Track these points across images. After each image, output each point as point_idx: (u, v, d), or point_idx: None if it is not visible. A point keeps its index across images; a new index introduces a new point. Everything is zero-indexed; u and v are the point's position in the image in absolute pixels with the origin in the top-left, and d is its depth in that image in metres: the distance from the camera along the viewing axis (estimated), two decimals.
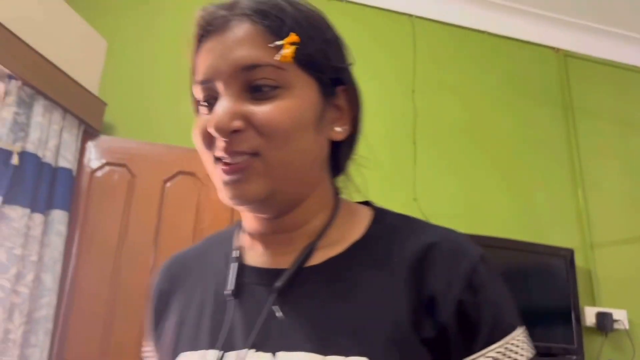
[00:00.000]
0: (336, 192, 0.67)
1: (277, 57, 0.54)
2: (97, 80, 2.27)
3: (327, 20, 0.63)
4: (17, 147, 1.77)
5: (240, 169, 0.55)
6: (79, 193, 2.03)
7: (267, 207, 0.59)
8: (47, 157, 1.90)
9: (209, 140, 0.57)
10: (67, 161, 1.98)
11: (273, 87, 0.55)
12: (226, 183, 0.56)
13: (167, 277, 0.72)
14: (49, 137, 1.91)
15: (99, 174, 2.11)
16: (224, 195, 0.57)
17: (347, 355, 0.52)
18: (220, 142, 0.55)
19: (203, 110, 0.58)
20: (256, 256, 0.64)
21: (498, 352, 0.54)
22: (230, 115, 0.54)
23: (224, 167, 0.55)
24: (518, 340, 0.55)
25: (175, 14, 2.50)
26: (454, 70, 2.82)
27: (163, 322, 0.68)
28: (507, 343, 0.54)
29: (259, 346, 0.55)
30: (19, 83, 1.81)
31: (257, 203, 0.57)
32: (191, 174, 2.17)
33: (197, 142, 0.58)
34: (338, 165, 0.66)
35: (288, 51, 0.55)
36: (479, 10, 2.87)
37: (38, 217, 1.83)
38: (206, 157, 0.58)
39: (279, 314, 0.56)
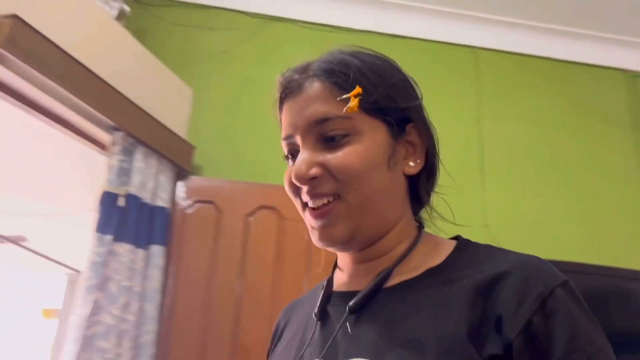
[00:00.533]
0: (419, 223, 0.72)
1: (345, 110, 0.62)
2: (185, 125, 2.51)
3: (392, 64, 0.69)
4: (122, 190, 2.01)
5: (325, 213, 0.63)
6: (173, 229, 2.25)
7: (352, 246, 0.66)
8: (147, 197, 2.12)
9: (295, 189, 0.66)
10: (163, 200, 2.20)
11: (343, 136, 0.63)
12: (314, 228, 0.65)
13: (283, 313, 0.85)
14: (148, 180, 2.14)
15: (189, 210, 2.32)
16: (314, 238, 0.66)
17: None
18: (304, 189, 0.64)
19: (290, 162, 0.69)
20: (342, 283, 0.72)
21: None
22: (308, 165, 0.62)
23: (311, 212, 0.64)
24: None
25: (253, 60, 2.72)
26: (519, 96, 2.86)
27: (276, 349, 0.80)
28: None
29: (327, 357, 0.62)
30: (122, 134, 2.05)
31: (342, 244, 0.65)
32: (271, 207, 2.34)
33: (288, 191, 0.69)
34: (419, 197, 0.71)
35: (352, 103, 0.62)
36: (542, 37, 2.92)
37: (141, 252, 2.04)
38: (296, 204, 0.69)
39: (349, 330, 0.62)
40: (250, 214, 2.34)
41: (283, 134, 0.68)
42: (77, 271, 3.20)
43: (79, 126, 2.00)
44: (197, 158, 2.45)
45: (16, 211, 2.79)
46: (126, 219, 1.99)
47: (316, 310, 0.69)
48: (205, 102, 2.62)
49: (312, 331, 0.68)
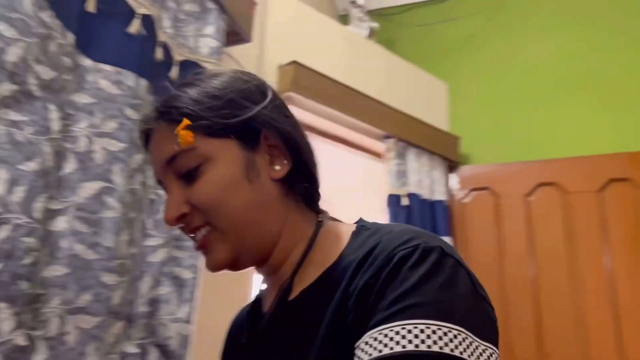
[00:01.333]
0: (318, 218, 0.68)
1: (178, 144, 0.60)
2: (446, 119, 2.60)
3: (230, 78, 0.65)
4: (404, 191, 2.19)
5: (204, 243, 0.63)
6: (454, 219, 2.35)
7: (241, 266, 0.65)
8: (425, 194, 2.27)
9: (180, 228, 0.65)
10: (440, 194, 2.33)
11: (196, 167, 0.61)
12: (203, 254, 0.65)
13: (229, 330, 0.83)
14: (423, 178, 2.29)
15: (466, 200, 2.39)
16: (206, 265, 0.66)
17: None
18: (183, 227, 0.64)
19: None
20: (266, 300, 0.71)
21: (371, 338, 0.49)
22: (174, 207, 0.62)
23: (195, 244, 0.64)
24: (396, 330, 0.48)
25: (499, 38, 2.66)
26: None
27: None
28: (383, 330, 0.49)
29: None
30: (394, 140, 2.25)
31: (229, 267, 0.64)
32: (551, 183, 2.25)
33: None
34: (306, 195, 0.68)
35: (182, 136, 0.60)
36: None
37: None
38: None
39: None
40: (529, 194, 2.29)
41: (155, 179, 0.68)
42: None
43: (357, 142, 2.27)
44: (464, 148, 2.51)
45: None
46: (411, 216, 2.16)
47: (243, 340, 0.70)
48: (460, 92, 2.67)
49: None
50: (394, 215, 2.13)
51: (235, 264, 0.63)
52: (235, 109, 0.62)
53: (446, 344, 0.46)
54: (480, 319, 0.51)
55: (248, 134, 0.63)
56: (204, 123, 0.61)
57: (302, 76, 1.99)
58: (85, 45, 1.14)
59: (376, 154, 2.35)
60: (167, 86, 0.67)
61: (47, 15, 1.02)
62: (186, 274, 1.27)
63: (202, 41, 1.48)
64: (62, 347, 0.98)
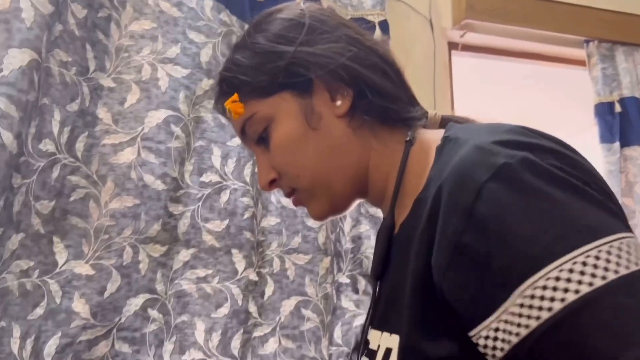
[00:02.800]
0: (406, 137, 0.59)
1: (232, 117, 0.61)
2: None
3: (269, 24, 0.60)
4: (615, 97, 1.97)
5: (298, 202, 0.63)
6: None
7: (342, 211, 0.63)
8: None
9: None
10: None
11: (264, 130, 0.60)
12: None
13: None
14: (639, 77, 2.02)
15: None
16: None
17: (390, 332, 0.53)
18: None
19: None
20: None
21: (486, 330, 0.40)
22: (264, 174, 0.62)
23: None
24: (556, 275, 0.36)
25: None
26: None
27: None
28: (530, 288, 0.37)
29: (373, 324, 0.60)
30: (596, 43, 2.02)
31: (331, 215, 0.63)
32: None
33: None
34: (387, 116, 0.60)
35: (233, 110, 0.60)
36: None
37: None
38: None
39: (376, 296, 0.62)
40: None
41: None
42: None
43: (551, 54, 2.10)
44: None
45: None
46: (627, 123, 1.94)
47: (370, 270, 0.69)
48: None
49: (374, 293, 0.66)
50: (606, 126, 1.93)
51: (334, 211, 0.63)
52: (273, 60, 0.58)
53: (606, 270, 0.36)
54: (595, 216, 0.39)
55: (297, 80, 0.58)
56: (252, 87, 0.59)
57: (477, 0, 1.92)
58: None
59: (580, 63, 2.14)
60: None
61: (225, 15, 1.23)
62: (380, 213, 1.41)
63: None
64: (285, 280, 1.22)
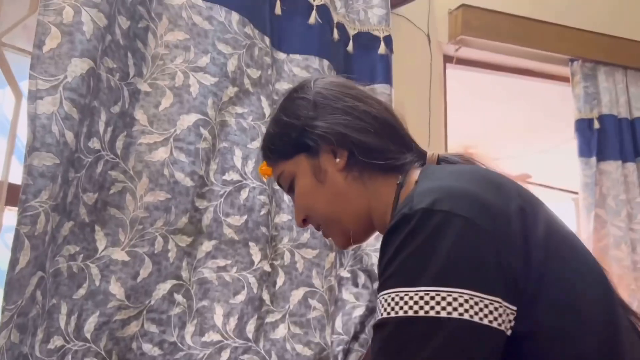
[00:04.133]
0: (398, 180, 0.73)
1: (264, 178, 0.86)
2: None
3: (283, 99, 0.81)
4: (594, 114, 2.13)
5: (325, 237, 0.82)
6: None
7: (363, 238, 0.80)
8: (622, 113, 2.17)
9: None
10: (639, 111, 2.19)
11: (291, 183, 0.79)
12: None
13: None
14: (618, 96, 2.18)
15: None
16: None
17: None
18: None
19: None
20: None
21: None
22: (297, 216, 0.81)
23: None
24: (379, 299, 0.55)
25: None
26: None
27: None
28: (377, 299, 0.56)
29: None
30: (580, 62, 2.17)
31: (351, 245, 0.79)
32: None
33: None
34: (383, 165, 0.74)
35: (262, 172, 0.83)
36: None
37: (631, 166, 2.11)
38: None
39: None
40: None
41: None
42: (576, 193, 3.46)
43: (538, 70, 2.25)
44: None
45: (518, 155, 3.29)
46: (605, 139, 2.10)
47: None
48: None
49: None
50: (584, 141, 2.09)
51: (353, 242, 0.79)
52: (289, 132, 0.77)
53: (411, 307, 0.50)
54: (464, 270, 0.51)
55: (307, 146, 0.75)
56: (277, 152, 0.79)
57: (472, 18, 2.06)
58: (278, 43, 1.45)
59: (564, 80, 2.30)
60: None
61: (248, 29, 1.34)
62: None
63: (370, 12, 1.69)
64: (295, 272, 1.34)
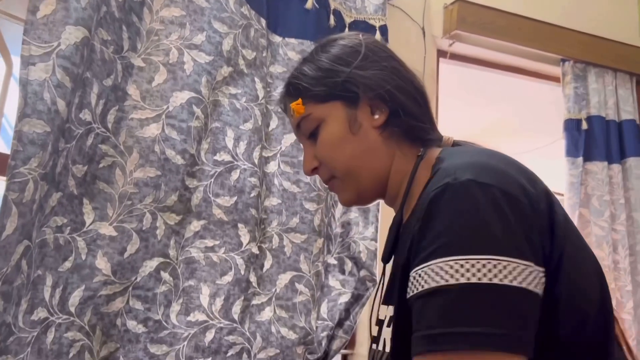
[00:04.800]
0: (419, 152, 0.73)
1: (294, 116, 0.76)
2: (635, 30, 2.41)
3: (333, 47, 0.75)
4: (583, 115, 2.15)
5: (332, 189, 0.79)
6: None
7: (365, 202, 0.78)
8: (610, 115, 2.19)
9: None
10: (628, 113, 2.21)
11: (315, 128, 0.75)
12: None
13: None
14: (607, 98, 2.20)
15: None
16: None
17: (389, 305, 0.67)
18: None
19: None
20: None
21: (412, 277, 0.56)
22: (308, 162, 0.78)
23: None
24: (431, 268, 0.54)
25: None
26: None
27: None
28: (421, 269, 0.55)
29: (382, 301, 0.74)
30: (571, 62, 2.19)
31: (356, 204, 0.78)
32: None
33: None
34: (411, 133, 0.74)
35: (295, 110, 0.75)
36: None
37: (616, 167, 2.14)
38: None
39: (385, 278, 0.75)
40: None
41: None
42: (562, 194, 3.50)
43: (532, 69, 2.27)
44: None
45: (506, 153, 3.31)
46: (592, 140, 2.13)
47: (380, 257, 0.82)
48: None
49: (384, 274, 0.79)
50: (572, 141, 2.11)
51: (359, 201, 0.78)
52: (332, 76, 0.73)
53: (462, 275, 0.51)
54: (498, 239, 0.52)
55: (348, 94, 0.72)
56: (312, 93, 0.74)
57: (467, 13, 2.06)
58: (274, 25, 1.44)
59: (555, 79, 2.32)
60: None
61: (245, 9, 1.33)
62: None
63: (367, 0, 1.68)
64: (282, 256, 1.34)
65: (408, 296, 0.56)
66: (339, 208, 1.52)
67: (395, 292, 0.64)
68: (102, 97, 1.07)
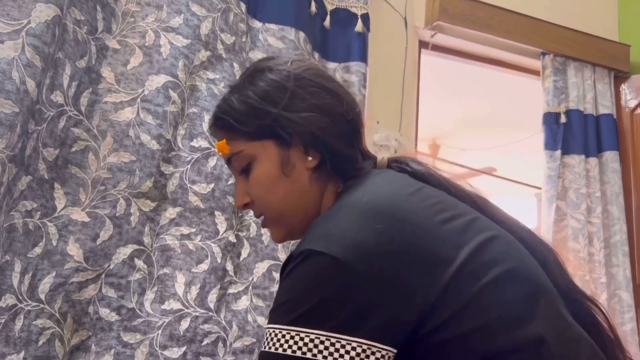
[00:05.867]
0: (339, 189, 0.74)
1: (219, 154, 0.74)
2: (614, 26, 2.43)
3: (260, 79, 0.71)
4: (562, 108, 2.17)
5: (264, 225, 0.76)
6: (623, 132, 2.25)
7: (297, 238, 0.72)
8: (588, 109, 2.21)
9: None
10: (605, 107, 2.24)
11: (247, 165, 0.72)
12: None
13: None
14: (586, 92, 2.23)
15: (638, 111, 2.26)
16: None
17: None
18: None
19: None
20: None
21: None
22: (240, 197, 0.74)
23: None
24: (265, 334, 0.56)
25: None
26: None
27: None
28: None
29: None
30: (551, 56, 2.21)
31: (286, 240, 0.77)
32: None
33: None
34: (343, 170, 0.73)
35: (220, 150, 0.71)
36: None
37: (593, 161, 2.17)
38: None
39: None
40: None
41: None
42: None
43: (512, 62, 2.28)
44: (635, 56, 2.34)
45: (484, 146, 3.33)
46: (570, 133, 2.15)
47: None
48: None
49: None
50: (551, 134, 2.13)
51: (292, 237, 0.76)
52: (260, 116, 0.69)
53: (280, 345, 0.53)
54: (331, 313, 0.53)
55: (279, 134, 0.69)
56: (241, 132, 0.70)
57: (449, 4, 2.06)
58: (254, 10, 1.42)
59: (534, 73, 2.33)
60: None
61: None
62: None
63: None
64: (260, 245, 1.32)
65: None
66: None
67: None
68: (74, 79, 1.04)
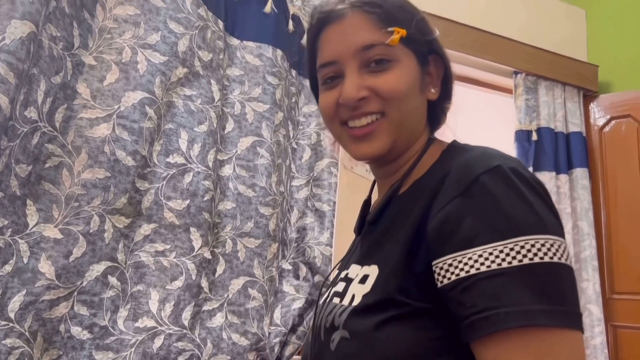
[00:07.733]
0: (430, 136, 0.75)
1: (389, 40, 0.67)
2: (583, 47, 2.51)
3: (412, 3, 0.73)
4: (533, 126, 2.23)
5: (370, 130, 0.68)
6: (592, 150, 2.32)
7: (388, 157, 0.71)
8: (558, 127, 2.27)
9: (333, 112, 0.71)
10: (575, 125, 2.30)
11: (387, 61, 0.67)
12: (357, 141, 0.70)
13: None
14: (556, 110, 2.29)
15: (606, 129, 2.33)
16: (353, 153, 0.72)
17: (370, 264, 0.65)
18: (349, 110, 0.69)
19: (327, 87, 0.73)
20: (377, 198, 0.80)
21: (439, 267, 0.55)
22: (357, 88, 0.67)
23: (354, 130, 0.69)
24: (468, 256, 0.53)
25: None
26: None
27: None
28: (455, 258, 0.54)
29: (355, 262, 0.72)
30: (523, 75, 2.27)
31: (382, 155, 0.70)
32: None
33: (324, 116, 0.73)
34: (435, 119, 0.76)
35: (396, 37, 0.67)
36: None
37: (563, 177, 2.22)
38: (332, 125, 0.73)
39: (363, 241, 0.73)
40: None
41: (322, 60, 0.71)
42: None
43: (484, 80, 2.33)
44: (603, 76, 2.42)
45: None
46: (541, 151, 2.20)
47: (355, 226, 0.82)
48: (599, 17, 2.53)
49: (355, 243, 0.79)
50: (522, 151, 2.18)
51: (387, 154, 0.70)
52: (423, 29, 0.70)
53: (525, 256, 0.51)
54: (549, 219, 0.54)
55: (425, 54, 0.70)
56: (406, 32, 0.68)
57: None
58: (231, 28, 1.43)
59: (507, 91, 2.39)
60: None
61: (202, 10, 1.32)
62: (325, 207, 1.55)
63: None
64: (236, 261, 1.32)
65: (460, 275, 0.53)
66: (295, 213, 1.51)
67: (387, 253, 0.63)
68: (49, 95, 1.03)
